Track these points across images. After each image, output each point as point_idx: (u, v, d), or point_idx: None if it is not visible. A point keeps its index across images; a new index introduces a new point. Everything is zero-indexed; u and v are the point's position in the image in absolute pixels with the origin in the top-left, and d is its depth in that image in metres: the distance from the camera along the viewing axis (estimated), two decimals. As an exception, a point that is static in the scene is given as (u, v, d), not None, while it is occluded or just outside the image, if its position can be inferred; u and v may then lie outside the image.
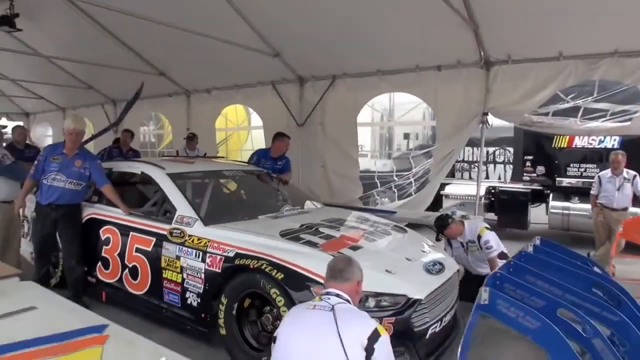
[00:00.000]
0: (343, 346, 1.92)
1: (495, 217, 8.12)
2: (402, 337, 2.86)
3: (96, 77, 9.61)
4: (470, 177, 9.38)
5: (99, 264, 4.08)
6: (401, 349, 2.88)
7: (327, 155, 7.54)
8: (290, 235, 3.36)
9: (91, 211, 4.27)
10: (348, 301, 2.19)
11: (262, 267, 2.94)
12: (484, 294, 2.13)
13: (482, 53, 5.82)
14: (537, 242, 3.25)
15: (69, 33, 8.05)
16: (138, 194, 4.54)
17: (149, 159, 5.26)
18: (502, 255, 4.10)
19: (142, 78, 8.61)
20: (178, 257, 3.46)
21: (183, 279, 3.41)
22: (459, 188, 8.51)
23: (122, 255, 3.87)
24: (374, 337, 1.99)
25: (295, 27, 6.41)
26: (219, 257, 3.22)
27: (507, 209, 7.92)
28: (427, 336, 3.02)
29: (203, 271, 3.29)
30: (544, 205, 7.86)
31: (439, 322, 3.13)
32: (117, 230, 3.98)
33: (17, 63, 9.35)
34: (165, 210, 3.82)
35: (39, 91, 10.90)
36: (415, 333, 2.93)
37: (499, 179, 8.87)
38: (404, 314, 2.87)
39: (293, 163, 7.72)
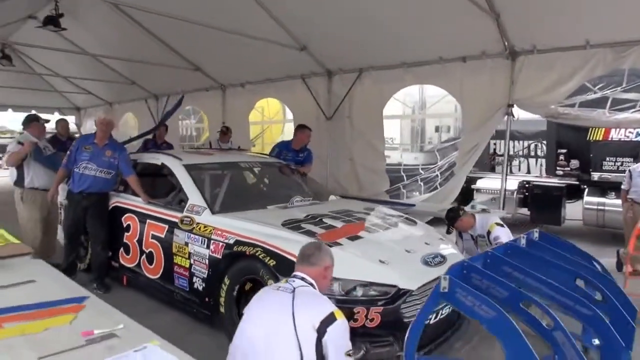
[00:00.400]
0: (295, 326, 2.03)
1: (528, 213, 7.90)
2: (391, 327, 2.92)
3: (139, 74, 10.16)
4: (510, 172, 9.16)
5: (121, 249, 4.38)
6: (390, 339, 2.95)
7: (354, 148, 7.59)
8: (291, 224, 3.48)
9: (115, 200, 4.59)
10: (312, 285, 2.29)
11: (257, 254, 3.09)
12: (443, 282, 2.17)
13: (507, 43, 5.67)
14: (536, 235, 3.20)
15: (112, 32, 8.56)
16: (161, 183, 4.80)
17: (170, 151, 5.52)
18: None
19: (179, 73, 9.11)
20: (187, 244, 3.67)
21: (190, 265, 3.61)
22: (490, 182, 8.31)
23: (140, 241, 4.15)
24: (329, 320, 2.08)
25: (320, 21, 6.51)
26: (220, 244, 3.40)
27: (540, 205, 7.68)
28: (418, 326, 3.06)
29: (207, 257, 3.47)
30: (580, 201, 7.56)
31: (434, 315, 3.15)
32: (136, 218, 4.26)
33: (67, 61, 10.02)
34: (179, 200, 4.04)
35: (88, 87, 11.64)
36: (405, 324, 2.95)
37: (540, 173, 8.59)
38: (394, 304, 2.92)
39: (321, 156, 7.90)
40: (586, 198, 7.05)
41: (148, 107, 11.07)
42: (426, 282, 3.07)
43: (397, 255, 3.22)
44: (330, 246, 3.14)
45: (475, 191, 8.31)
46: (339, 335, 2.11)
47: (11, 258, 2.86)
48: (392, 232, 3.69)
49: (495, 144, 11.53)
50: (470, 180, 8.56)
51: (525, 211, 8.00)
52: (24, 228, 5.04)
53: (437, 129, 7.24)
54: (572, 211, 7.89)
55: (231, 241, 3.34)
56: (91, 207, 4.49)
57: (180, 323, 3.78)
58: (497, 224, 4.26)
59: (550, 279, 2.67)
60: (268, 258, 3.03)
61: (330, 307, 2.17)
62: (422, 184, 7.36)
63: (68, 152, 4.57)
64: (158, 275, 3.97)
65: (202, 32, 6.74)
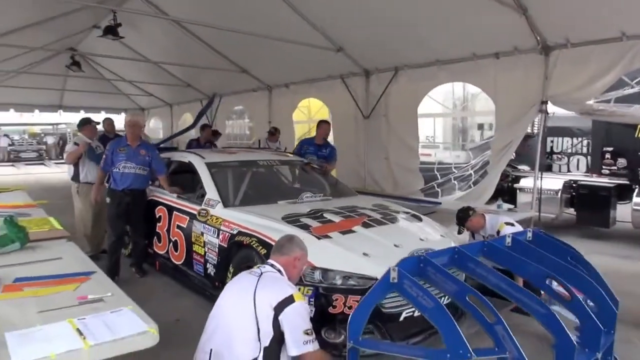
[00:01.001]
0: (255, 304, 2.28)
1: (574, 214, 7.57)
2: (370, 317, 3.07)
3: (193, 77, 10.87)
4: (568, 170, 8.79)
5: (155, 238, 4.86)
6: (370, 327, 3.09)
7: (389, 146, 7.65)
8: (291, 218, 3.71)
9: (151, 194, 5.08)
10: (280, 271, 2.52)
11: (252, 244, 3.37)
12: (392, 273, 2.30)
13: (538, 38, 5.51)
14: (529, 234, 3.21)
15: (168, 40, 9.29)
16: (190, 179, 5.22)
17: (198, 150, 5.95)
18: None
19: (228, 76, 9.65)
20: (202, 234, 4.04)
21: (205, 252, 3.98)
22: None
23: (168, 230, 4.59)
24: (288, 301, 2.30)
25: (355, 23, 6.64)
26: (226, 234, 3.72)
27: (586, 205, 7.32)
28: (401, 319, 3.19)
29: (217, 246, 3.81)
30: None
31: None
32: (166, 210, 4.71)
33: (130, 67, 10.94)
34: (200, 194, 4.43)
35: (150, 90, 12.60)
36: (385, 314, 3.11)
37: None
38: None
39: (359, 154, 8.07)
40: (635, 199, 6.64)
41: (202, 107, 11.79)
42: None
43: (383, 249, 3.35)
44: (319, 238, 3.38)
45: (518, 190, 8.09)
46: (295, 315, 2.32)
47: (50, 240, 3.39)
48: (388, 228, 3.80)
49: (552, 141, 11.06)
50: (515, 180, 8.33)
51: (573, 212, 7.66)
52: (78, 217, 5.70)
53: (479, 127, 7.10)
54: (624, 213, 7.45)
55: (235, 232, 3.66)
56: (133, 203, 4.88)
57: (200, 306, 4.13)
58: (507, 223, 4.21)
59: (524, 276, 2.72)
60: (260, 247, 3.30)
61: (290, 290, 2.38)
62: (456, 182, 7.27)
63: (104, 156, 5.00)
64: (181, 262, 4.38)
65: (248, 39, 7.19)
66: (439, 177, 7.54)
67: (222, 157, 5.03)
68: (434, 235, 3.84)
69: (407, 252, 3.38)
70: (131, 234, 5.12)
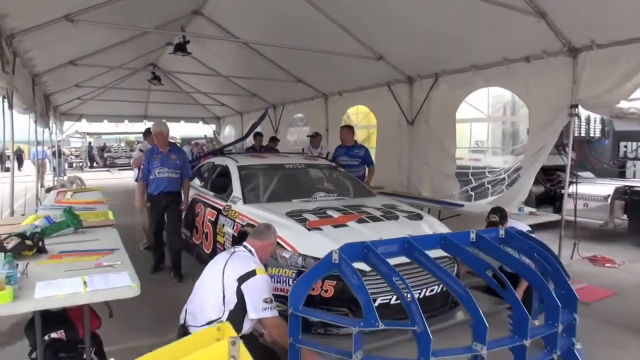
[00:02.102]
0: (223, 275, 2.83)
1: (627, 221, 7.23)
2: (345, 300, 3.46)
3: (257, 87, 11.79)
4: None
5: (194, 230, 5.61)
6: (344, 310, 3.50)
7: (429, 152, 7.82)
8: (294, 213, 4.22)
9: (194, 192, 5.85)
10: (251, 252, 3.03)
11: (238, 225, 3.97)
12: (334, 255, 2.69)
13: (563, 40, 5.49)
14: (501, 232, 3.42)
15: (232, 55, 10.19)
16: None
17: (235, 154, 6.63)
18: None
19: (288, 86, 10.37)
20: (224, 225, 4.67)
21: (224, 242, 4.60)
22: (585, 187, 7.78)
23: (202, 223, 5.31)
24: (250, 274, 2.83)
25: (396, 32, 6.93)
26: (238, 225, 4.31)
27: (638, 212, 6.98)
28: (376, 305, 3.52)
29: (232, 235, 4.42)
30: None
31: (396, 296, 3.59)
32: (202, 206, 5.44)
33: (204, 79, 12.08)
34: (229, 192, 5.09)
35: (222, 100, 13.76)
36: (355, 299, 3.48)
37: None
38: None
39: (402, 160, 8.31)
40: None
41: (268, 115, 12.68)
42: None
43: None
44: (309, 230, 3.85)
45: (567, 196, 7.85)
46: (256, 285, 2.84)
47: (99, 227, 4.24)
48: (382, 224, 4.13)
49: (625, 146, 10.46)
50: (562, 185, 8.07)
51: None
52: (138, 214, 6.63)
53: (529, 132, 6.99)
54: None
55: (244, 223, 4.23)
56: (169, 205, 5.39)
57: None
58: (528, 232, 4.29)
59: (470, 267, 3.01)
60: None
61: (254, 266, 2.90)
62: (489, 186, 7.24)
63: (142, 167, 5.50)
64: (210, 251, 5.05)
65: (302, 53, 7.85)
66: (473, 182, 7.57)
67: (254, 161, 5.68)
68: (426, 231, 4.11)
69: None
70: (167, 234, 5.57)
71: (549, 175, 8.33)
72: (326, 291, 3.47)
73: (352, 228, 3.96)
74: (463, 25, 6.11)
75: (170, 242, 5.54)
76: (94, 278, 2.70)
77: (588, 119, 9.14)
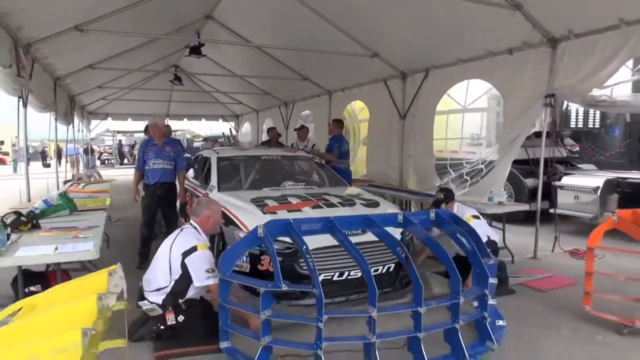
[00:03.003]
0: (170, 250, 3.32)
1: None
2: (290, 275, 3.85)
3: (269, 86, 12.32)
4: None
5: (185, 217, 6.14)
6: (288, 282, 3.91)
7: (414, 145, 8.12)
8: (258, 200, 4.64)
9: (188, 183, 6.37)
10: (196, 228, 3.50)
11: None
12: (259, 229, 3.08)
13: (542, 31, 5.63)
14: (432, 215, 3.74)
15: (244, 57, 10.74)
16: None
17: (218, 147, 7.10)
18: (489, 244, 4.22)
19: (296, 84, 10.84)
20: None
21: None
22: (575, 180, 7.85)
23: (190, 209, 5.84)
24: (192, 249, 3.31)
25: (388, 30, 7.23)
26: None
27: (632, 206, 6.98)
28: (320, 279, 3.92)
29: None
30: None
31: (338, 274, 3.99)
32: (190, 195, 5.96)
33: (222, 79, 12.71)
34: (209, 181, 5.53)
35: (239, 98, 14.39)
36: (301, 274, 3.88)
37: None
38: (291, 257, 3.89)
39: (394, 153, 8.59)
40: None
41: (280, 112, 13.23)
42: (322, 247, 3.85)
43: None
44: (264, 213, 4.28)
45: (559, 189, 7.93)
46: (198, 259, 3.32)
47: (92, 211, 4.87)
48: (335, 209, 4.42)
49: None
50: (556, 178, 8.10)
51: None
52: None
53: (503, 123, 7.13)
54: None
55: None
56: (164, 195, 5.68)
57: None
58: (474, 216, 4.57)
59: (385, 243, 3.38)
60: (223, 220, 4.32)
61: (195, 242, 3.36)
62: (468, 178, 7.40)
63: (137, 158, 5.83)
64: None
65: (307, 53, 8.48)
66: (452, 173, 7.75)
67: (234, 153, 6.16)
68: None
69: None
70: (164, 222, 5.90)
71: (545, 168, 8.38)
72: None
73: (305, 213, 4.32)
74: (450, 20, 6.29)
75: (167, 226, 5.79)
76: (65, 244, 3.28)
77: (587, 111, 9.09)
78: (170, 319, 3.31)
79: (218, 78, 12.61)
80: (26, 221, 3.78)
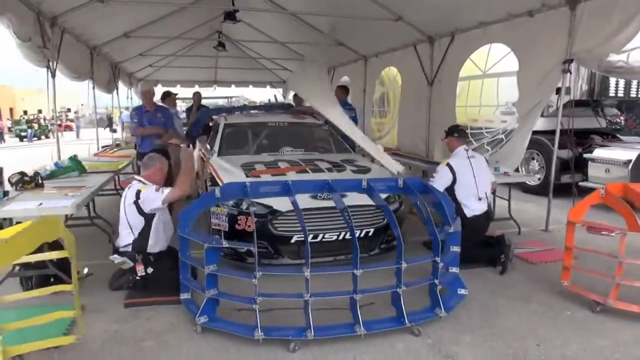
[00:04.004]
0: (124, 207, 3.69)
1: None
2: (265, 236, 4.04)
3: (309, 52, 12.21)
4: None
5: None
6: (264, 243, 4.09)
7: (439, 113, 7.87)
8: (248, 164, 4.84)
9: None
10: (141, 181, 3.82)
11: (211, 177, 4.70)
12: (217, 191, 3.29)
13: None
14: (400, 182, 3.76)
15: (281, 22, 10.71)
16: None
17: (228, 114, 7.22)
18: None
19: (330, 50, 10.73)
20: (203, 172, 5.47)
21: (206, 184, 5.25)
22: (607, 152, 7.33)
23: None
24: (138, 192, 3.69)
25: None
26: (209, 172, 5.03)
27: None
28: (292, 241, 4.10)
29: (209, 179, 5.11)
30: None
31: (312, 236, 4.09)
32: (200, 158, 6.27)
33: (266, 46, 12.81)
34: (213, 145, 5.79)
35: (284, 64, 14.38)
36: (275, 235, 4.07)
37: None
38: (266, 218, 4.09)
39: (421, 121, 8.40)
40: None
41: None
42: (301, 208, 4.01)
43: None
44: (247, 177, 4.47)
45: (589, 161, 7.46)
46: (145, 194, 3.67)
47: (100, 173, 5.32)
48: (320, 174, 4.53)
49: None
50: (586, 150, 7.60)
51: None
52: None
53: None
54: None
55: (209, 171, 4.98)
56: None
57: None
58: (446, 164, 4.59)
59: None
60: (210, 183, 4.57)
61: (139, 187, 3.72)
62: (489, 147, 7.06)
63: (132, 124, 6.00)
64: (202, 191, 5.85)
65: (337, 20, 8.43)
66: (474, 143, 7.43)
67: (242, 119, 6.38)
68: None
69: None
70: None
71: (582, 139, 7.87)
72: (249, 227, 4.09)
73: (288, 177, 4.44)
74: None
75: None
76: (50, 201, 3.68)
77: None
78: (140, 270, 3.64)
79: (261, 44, 12.70)
80: (29, 180, 4.23)
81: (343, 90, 7.96)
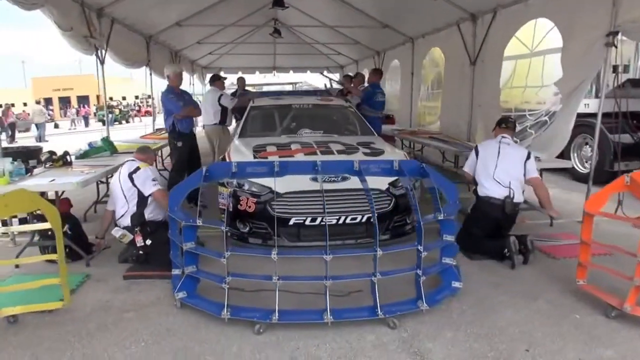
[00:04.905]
0: (120, 179, 3.94)
1: None
2: (264, 216, 4.08)
3: (360, 36, 12.10)
4: None
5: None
6: (263, 224, 4.13)
7: (482, 93, 7.42)
8: (261, 145, 4.88)
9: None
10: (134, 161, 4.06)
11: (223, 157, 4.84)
12: (204, 170, 3.34)
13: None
14: (395, 164, 3.60)
15: (330, 7, 10.60)
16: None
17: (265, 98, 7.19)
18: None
19: (377, 32, 10.58)
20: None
21: (230, 160, 5.46)
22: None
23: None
24: (136, 169, 3.93)
25: None
26: (228, 152, 5.12)
27: None
28: (291, 223, 4.08)
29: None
30: None
31: (310, 219, 4.07)
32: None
33: (318, 31, 12.85)
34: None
35: (338, 49, 14.30)
36: (273, 216, 4.06)
37: None
38: (264, 198, 4.12)
39: (466, 103, 7.98)
40: None
41: (374, 62, 13.01)
42: (299, 190, 4.04)
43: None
44: (255, 158, 4.52)
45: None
46: (142, 174, 3.95)
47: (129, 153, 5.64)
48: (329, 157, 4.47)
49: None
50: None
51: None
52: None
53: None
54: None
55: (228, 151, 5.09)
56: (195, 143, 6.07)
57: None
58: (475, 147, 4.63)
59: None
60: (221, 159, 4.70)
61: (137, 164, 3.98)
62: (532, 131, 6.43)
63: (179, 104, 5.68)
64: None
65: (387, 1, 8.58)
66: (517, 126, 6.82)
67: (268, 102, 6.44)
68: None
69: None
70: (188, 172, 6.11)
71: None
72: (250, 207, 4.14)
73: (295, 159, 4.44)
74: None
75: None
76: (62, 178, 3.99)
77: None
78: (139, 242, 3.87)
79: (315, 30, 12.75)
80: (57, 159, 4.59)
81: (377, 72, 8.00)
